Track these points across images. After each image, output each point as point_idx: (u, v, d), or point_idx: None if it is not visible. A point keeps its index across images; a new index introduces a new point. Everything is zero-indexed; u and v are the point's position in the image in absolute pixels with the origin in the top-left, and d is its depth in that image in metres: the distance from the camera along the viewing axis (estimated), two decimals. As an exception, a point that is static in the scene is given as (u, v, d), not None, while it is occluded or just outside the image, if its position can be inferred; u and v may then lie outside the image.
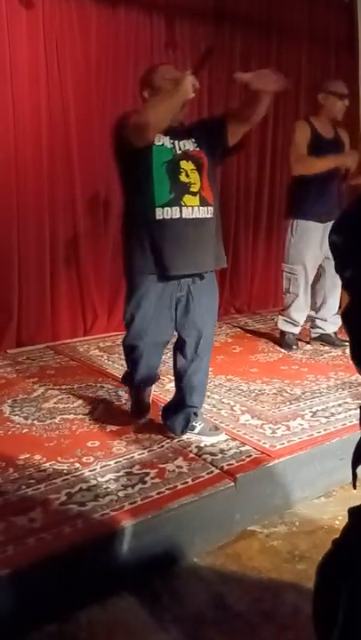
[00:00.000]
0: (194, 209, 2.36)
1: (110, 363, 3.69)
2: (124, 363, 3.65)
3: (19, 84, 3.81)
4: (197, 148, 2.43)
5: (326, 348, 3.98)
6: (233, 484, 2.24)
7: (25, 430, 2.72)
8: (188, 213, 2.35)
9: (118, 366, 3.61)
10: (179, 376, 2.59)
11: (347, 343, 3.59)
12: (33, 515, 2.01)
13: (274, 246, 5.31)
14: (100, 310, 4.39)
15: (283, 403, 3.02)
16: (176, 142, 2.40)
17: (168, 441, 2.56)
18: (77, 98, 4.06)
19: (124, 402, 3.05)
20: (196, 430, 2.59)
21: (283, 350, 3.94)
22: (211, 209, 2.42)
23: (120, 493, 2.14)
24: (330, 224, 3.61)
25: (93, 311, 4.36)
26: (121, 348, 3.74)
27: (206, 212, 2.40)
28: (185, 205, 2.34)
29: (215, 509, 2.19)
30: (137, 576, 1.96)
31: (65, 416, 2.86)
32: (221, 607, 1.88)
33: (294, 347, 3.96)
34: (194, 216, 2.36)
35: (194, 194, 2.37)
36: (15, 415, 2.88)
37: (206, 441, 2.56)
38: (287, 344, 3.98)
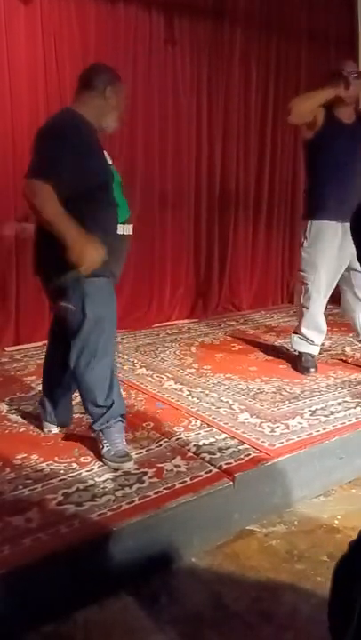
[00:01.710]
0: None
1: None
2: (122, 360, 3.66)
3: (16, 81, 3.79)
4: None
5: (325, 346, 3.79)
6: (231, 483, 2.22)
7: (22, 429, 2.71)
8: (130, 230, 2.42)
9: (116, 364, 3.60)
10: None
11: None
12: (29, 515, 1.99)
13: (273, 244, 5.30)
14: (98, 308, 4.37)
15: (282, 401, 3.01)
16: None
17: (166, 440, 2.55)
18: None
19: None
20: None
21: (302, 372, 3.42)
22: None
23: (117, 493, 2.12)
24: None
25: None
26: (119, 345, 3.73)
27: (130, 231, 2.51)
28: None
29: (213, 509, 2.17)
30: (135, 576, 1.95)
31: (63, 415, 2.84)
32: (220, 607, 1.87)
33: (312, 369, 3.42)
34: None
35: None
36: (12, 414, 2.87)
37: None
38: (304, 367, 3.43)
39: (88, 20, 4.04)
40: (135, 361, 3.68)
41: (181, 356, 3.78)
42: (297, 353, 3.53)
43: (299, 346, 3.51)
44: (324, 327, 3.51)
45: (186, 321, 4.74)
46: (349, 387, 3.20)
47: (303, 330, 3.47)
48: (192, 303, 4.90)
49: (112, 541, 1.93)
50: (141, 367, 3.56)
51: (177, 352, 3.87)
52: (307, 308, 3.43)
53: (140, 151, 4.42)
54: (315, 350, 3.51)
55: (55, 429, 2.65)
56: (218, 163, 4.84)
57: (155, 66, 4.39)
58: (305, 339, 3.47)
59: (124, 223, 2.55)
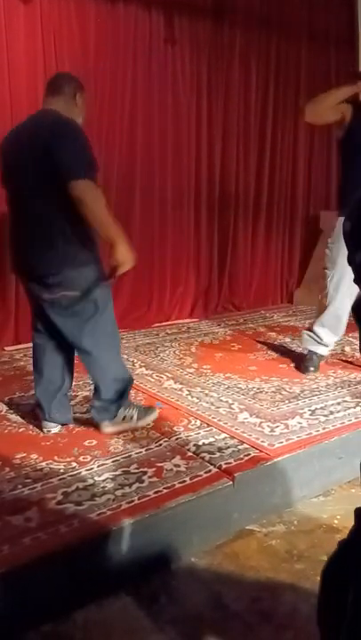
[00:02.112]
0: None
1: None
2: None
3: (16, 80, 3.79)
4: None
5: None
6: (231, 482, 2.22)
7: (21, 429, 2.70)
8: None
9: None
10: None
11: None
12: (29, 514, 1.99)
13: (273, 243, 5.31)
14: (98, 308, 4.37)
15: (281, 401, 3.01)
16: None
17: (166, 439, 2.55)
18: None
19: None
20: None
21: (302, 371, 3.39)
22: None
23: (117, 492, 2.12)
24: None
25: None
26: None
27: None
28: None
29: (213, 508, 2.17)
30: (134, 576, 1.95)
31: (62, 414, 2.84)
32: (219, 607, 1.86)
33: (311, 369, 3.36)
34: None
35: None
36: (12, 414, 2.86)
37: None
38: (305, 365, 3.38)
39: (88, 19, 4.04)
40: (135, 360, 3.67)
41: (181, 356, 3.78)
42: (305, 351, 3.47)
43: (306, 343, 3.45)
44: (340, 328, 3.38)
45: (186, 320, 4.74)
46: (349, 386, 3.20)
47: (315, 327, 3.40)
48: (192, 303, 4.89)
49: (111, 541, 1.93)
50: (141, 367, 3.56)
51: (177, 352, 3.87)
52: (323, 306, 3.37)
53: (139, 150, 4.41)
54: (323, 350, 3.42)
55: (55, 429, 2.65)
56: (218, 162, 4.84)
57: (154, 65, 4.39)
58: (314, 336, 3.40)
59: None
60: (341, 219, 3.01)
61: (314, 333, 3.41)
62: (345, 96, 3.16)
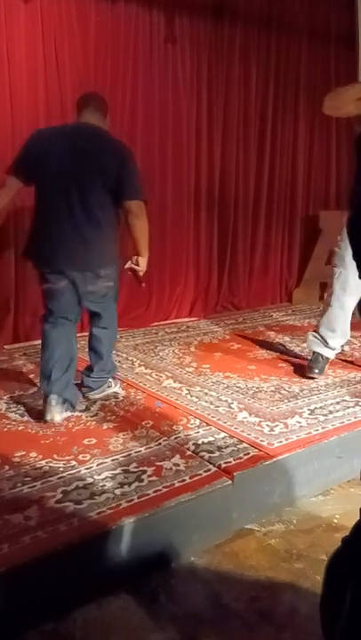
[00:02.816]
0: None
1: (107, 359, 3.67)
2: (121, 359, 3.66)
3: (17, 79, 3.78)
4: None
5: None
6: (230, 482, 2.22)
7: (21, 427, 2.70)
8: None
9: (115, 363, 3.59)
10: None
11: None
12: (28, 513, 1.99)
13: (272, 242, 5.30)
14: (97, 307, 4.37)
15: (281, 400, 3.01)
16: None
17: (165, 438, 2.55)
18: (76, 93, 4.00)
19: (120, 398, 3.03)
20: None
21: (306, 372, 3.30)
22: None
23: (117, 491, 2.12)
24: None
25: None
26: (118, 344, 3.78)
27: None
28: None
29: (212, 508, 2.17)
30: (134, 575, 1.95)
31: (61, 413, 2.84)
32: (218, 606, 1.86)
33: (316, 371, 3.26)
34: None
35: None
36: (11, 412, 2.86)
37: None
38: (308, 367, 3.30)
39: (88, 18, 4.03)
40: (134, 359, 3.67)
41: (180, 355, 3.78)
42: (311, 353, 3.38)
43: (311, 344, 3.36)
44: (345, 329, 3.31)
45: (185, 320, 4.74)
46: (348, 386, 3.20)
47: (320, 328, 3.32)
48: (191, 302, 4.89)
49: (111, 540, 1.93)
50: (140, 366, 3.56)
51: (176, 351, 3.87)
52: (329, 304, 3.28)
53: (139, 149, 4.40)
54: (328, 353, 3.32)
55: (66, 414, 2.77)
56: (217, 161, 4.83)
57: (155, 64, 4.38)
58: (319, 338, 3.32)
59: None
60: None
61: (320, 335, 3.32)
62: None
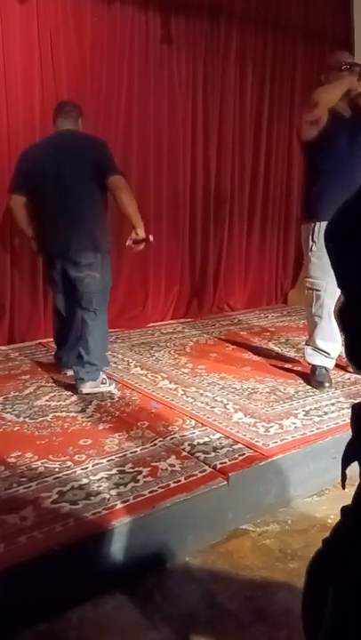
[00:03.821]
0: None
1: (103, 360, 3.68)
2: (117, 360, 3.66)
3: (12, 80, 3.79)
4: None
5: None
6: (226, 482, 2.23)
7: (16, 428, 2.71)
8: None
9: (111, 363, 3.60)
10: None
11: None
12: (24, 513, 1.99)
13: (267, 244, 5.32)
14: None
15: (276, 401, 3.02)
16: None
17: (161, 439, 2.55)
18: (71, 93, 4.03)
19: (116, 399, 3.04)
20: None
21: (316, 387, 3.19)
22: None
23: (112, 492, 2.13)
24: None
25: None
26: (114, 345, 3.80)
27: None
28: None
29: (208, 508, 2.18)
30: (129, 575, 1.95)
31: (57, 414, 2.85)
32: (213, 606, 1.87)
33: (327, 384, 3.17)
34: None
35: None
36: (7, 413, 2.86)
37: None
38: (318, 381, 3.19)
39: (84, 18, 4.05)
40: (130, 360, 3.68)
41: (176, 356, 3.79)
42: (310, 366, 3.29)
43: (313, 358, 3.25)
44: (338, 337, 3.21)
45: (181, 320, 4.75)
46: (343, 387, 3.21)
47: (318, 341, 3.21)
48: (187, 303, 4.91)
49: (106, 540, 1.93)
50: (136, 366, 3.56)
51: (171, 352, 3.88)
52: (320, 317, 3.18)
53: (135, 150, 4.42)
54: (330, 364, 3.26)
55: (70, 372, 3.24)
56: (213, 162, 4.85)
57: (151, 64, 4.39)
58: (320, 351, 3.22)
59: None
60: (323, 224, 2.92)
61: (318, 348, 3.23)
62: (346, 88, 3.03)
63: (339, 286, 1.03)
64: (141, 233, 3.11)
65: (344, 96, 3.05)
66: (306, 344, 3.33)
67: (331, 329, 3.20)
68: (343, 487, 1.16)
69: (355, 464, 1.11)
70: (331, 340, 3.21)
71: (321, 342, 3.22)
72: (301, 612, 1.31)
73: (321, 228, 3.06)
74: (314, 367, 3.26)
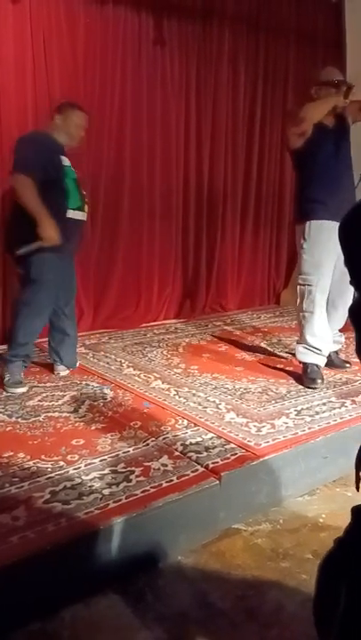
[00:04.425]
0: (85, 214, 3.34)
1: (96, 360, 3.68)
2: (109, 360, 3.67)
3: (5, 80, 3.79)
4: None
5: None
6: (218, 482, 2.24)
7: (8, 428, 2.70)
8: (82, 216, 3.31)
9: (104, 364, 3.61)
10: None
11: (348, 365, 3.47)
12: (16, 513, 1.99)
13: (260, 244, 5.34)
14: (85, 308, 4.37)
15: (268, 401, 3.03)
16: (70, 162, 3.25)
17: (153, 439, 2.56)
18: (64, 94, 4.02)
19: (109, 399, 3.04)
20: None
21: (308, 385, 3.22)
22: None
23: (105, 491, 2.13)
24: None
25: (79, 308, 4.34)
26: (107, 345, 3.80)
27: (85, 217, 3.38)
28: (84, 211, 3.32)
29: (200, 508, 2.19)
30: (121, 574, 1.96)
31: (49, 414, 2.85)
32: (205, 605, 1.88)
33: (319, 381, 3.20)
34: (84, 219, 3.35)
35: (87, 203, 3.37)
36: (-1, 413, 2.86)
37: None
38: (309, 378, 3.22)
39: (77, 20, 4.05)
40: (122, 361, 3.68)
41: (169, 356, 3.79)
42: (302, 364, 3.32)
43: (304, 356, 3.28)
44: (330, 333, 3.32)
45: (173, 321, 4.76)
46: (334, 387, 3.23)
47: (308, 338, 3.24)
48: (179, 303, 4.92)
49: (99, 540, 1.94)
50: (129, 367, 3.57)
51: (164, 352, 3.89)
52: (311, 313, 3.23)
53: (128, 151, 4.42)
54: (322, 361, 3.29)
55: (64, 372, 3.40)
56: (206, 163, 4.86)
57: (144, 66, 4.40)
58: (311, 348, 3.25)
59: (74, 209, 3.22)
60: (313, 223, 3.21)
61: (309, 345, 3.26)
62: (333, 105, 3.18)
63: (352, 284, 1.04)
64: (44, 232, 3.00)
65: (330, 111, 3.21)
66: (297, 343, 3.36)
67: (320, 325, 3.25)
68: (358, 489, 1.16)
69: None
70: (321, 337, 3.25)
71: (311, 339, 3.25)
72: (313, 611, 1.32)
73: (311, 226, 3.22)
74: (306, 365, 3.29)
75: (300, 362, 3.34)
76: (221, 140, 4.89)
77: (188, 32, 4.57)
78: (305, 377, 3.27)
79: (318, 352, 3.26)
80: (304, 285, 3.26)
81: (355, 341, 1.06)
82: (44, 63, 3.92)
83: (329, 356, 3.41)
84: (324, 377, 3.32)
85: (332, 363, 3.46)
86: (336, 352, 3.54)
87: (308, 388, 3.19)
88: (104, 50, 4.19)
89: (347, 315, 3.15)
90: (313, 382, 3.20)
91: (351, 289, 1.08)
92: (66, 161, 3.22)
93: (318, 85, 3.29)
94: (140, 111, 4.42)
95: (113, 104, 4.29)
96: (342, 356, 3.61)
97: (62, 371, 3.42)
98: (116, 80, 4.28)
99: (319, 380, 3.21)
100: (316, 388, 3.18)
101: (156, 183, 4.60)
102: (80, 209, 3.28)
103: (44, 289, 3.14)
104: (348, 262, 1.05)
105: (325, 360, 3.32)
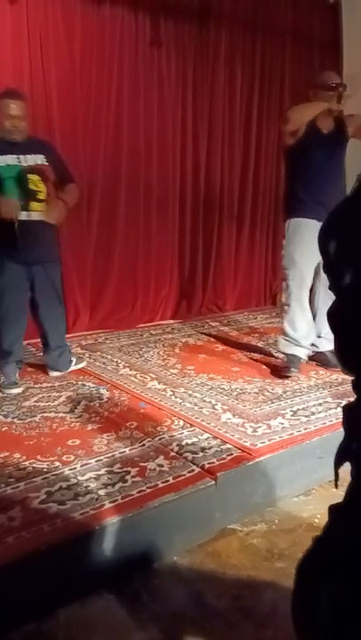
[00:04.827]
0: (29, 214, 3.07)
1: (92, 361, 3.68)
2: (106, 361, 3.67)
3: (2, 80, 3.76)
4: (46, 163, 3.14)
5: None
6: (214, 482, 2.24)
7: (4, 428, 2.70)
8: (33, 216, 3.08)
9: (100, 364, 3.61)
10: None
11: None
12: (12, 513, 2.00)
13: (257, 245, 5.34)
14: (82, 308, 4.37)
15: (264, 402, 3.04)
16: (22, 157, 3.08)
17: (149, 439, 2.56)
18: (61, 94, 4.04)
19: (105, 399, 3.04)
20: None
21: (283, 373, 3.38)
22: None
23: (100, 492, 2.13)
24: None
25: (75, 309, 4.34)
26: (103, 345, 3.79)
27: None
28: (31, 210, 3.07)
29: (196, 508, 2.19)
30: (116, 574, 1.96)
31: (45, 414, 2.84)
32: (200, 605, 1.88)
33: (294, 370, 3.36)
34: (37, 218, 3.09)
35: (40, 201, 3.09)
36: (-5, 413, 2.86)
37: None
38: (286, 367, 3.39)
39: (74, 20, 4.04)
40: (119, 361, 3.68)
41: (165, 357, 3.80)
42: (283, 355, 3.47)
43: (284, 347, 3.44)
44: (311, 325, 3.43)
45: (170, 321, 4.76)
46: (330, 387, 3.24)
47: (288, 330, 3.40)
48: (176, 304, 4.92)
49: (94, 540, 1.94)
50: (125, 367, 3.57)
51: (160, 352, 3.89)
52: (289, 306, 3.41)
53: (125, 151, 4.42)
54: (301, 352, 3.42)
55: (54, 374, 3.39)
56: (203, 164, 4.86)
57: (140, 67, 4.40)
58: (290, 339, 3.40)
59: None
60: (293, 220, 3.38)
61: (289, 337, 3.41)
62: (323, 109, 3.27)
63: (331, 289, 1.04)
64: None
65: (327, 114, 3.29)
66: (280, 335, 3.52)
67: (299, 319, 3.40)
68: (336, 487, 1.17)
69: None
70: (299, 329, 3.39)
71: (291, 331, 3.40)
72: (291, 611, 1.32)
73: (291, 224, 3.40)
74: (286, 356, 3.45)
75: (281, 352, 3.50)
76: (218, 141, 4.90)
77: (185, 32, 4.57)
78: (283, 366, 3.42)
79: (297, 343, 3.40)
80: (284, 280, 3.47)
81: (334, 347, 1.05)
82: (40, 63, 3.92)
83: (325, 355, 3.48)
84: (321, 377, 3.35)
85: (328, 362, 3.50)
86: (332, 351, 3.54)
87: (284, 377, 3.34)
88: (101, 50, 4.19)
89: None
90: (288, 371, 3.38)
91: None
92: (6, 159, 3.04)
93: (316, 88, 3.36)
94: (137, 112, 4.42)
95: (110, 104, 4.29)
96: None
97: (52, 373, 3.42)
98: (113, 80, 4.28)
99: (295, 370, 3.37)
100: (290, 377, 3.34)
101: (153, 184, 4.60)
102: (24, 208, 3.05)
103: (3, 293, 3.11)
104: (327, 267, 1.05)
105: (306, 352, 3.46)
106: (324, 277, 3.25)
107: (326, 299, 3.36)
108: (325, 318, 3.40)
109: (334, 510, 1.17)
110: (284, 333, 3.44)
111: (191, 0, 4.58)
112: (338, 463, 1.12)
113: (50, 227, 3.20)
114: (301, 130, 3.29)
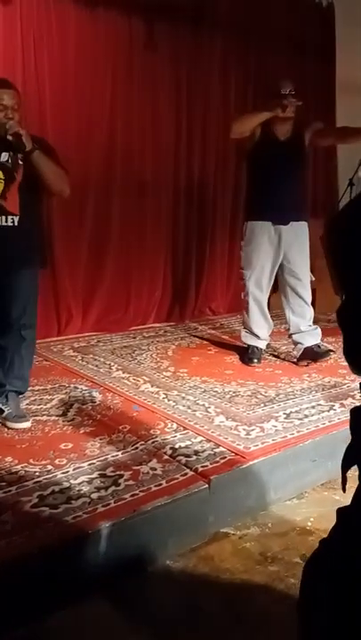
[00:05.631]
0: None
1: (84, 363, 3.67)
2: (98, 363, 3.65)
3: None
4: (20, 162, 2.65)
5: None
6: (207, 485, 2.24)
7: (-3, 431, 2.69)
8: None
9: (92, 367, 3.59)
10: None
11: (333, 353, 3.60)
12: (4, 517, 1.98)
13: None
14: (74, 310, 4.36)
15: (257, 404, 3.04)
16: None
17: (142, 443, 2.55)
18: (54, 97, 4.03)
19: (98, 403, 3.03)
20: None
21: (246, 363, 3.69)
22: (13, 218, 2.61)
23: (93, 496, 2.12)
24: (284, 227, 3.72)
25: (68, 311, 4.33)
26: (96, 348, 3.76)
27: (6, 221, 2.60)
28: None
29: (189, 511, 2.18)
30: (109, 579, 1.95)
31: (38, 417, 2.83)
32: (193, 609, 1.87)
33: (255, 360, 3.68)
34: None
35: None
36: (-13, 416, 2.84)
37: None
38: (248, 358, 3.70)
39: (68, 23, 4.04)
40: (112, 364, 3.67)
41: (158, 360, 3.79)
42: (247, 346, 3.79)
43: (246, 339, 3.79)
44: (268, 321, 3.77)
45: (163, 324, 4.75)
46: (323, 390, 3.24)
47: (247, 324, 3.77)
48: (169, 307, 4.91)
49: (87, 544, 1.93)
50: (118, 370, 3.56)
51: (153, 355, 3.88)
52: (248, 303, 3.71)
53: (118, 155, 4.42)
54: (261, 344, 3.77)
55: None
56: (196, 166, 4.87)
57: (134, 70, 4.40)
58: (250, 332, 3.77)
59: None
60: (250, 223, 3.62)
61: (250, 330, 3.77)
62: (267, 118, 3.48)
63: (338, 286, 1.04)
64: None
65: (283, 121, 3.49)
66: (242, 327, 3.88)
67: (258, 314, 3.72)
68: (344, 490, 1.17)
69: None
70: (255, 323, 3.74)
71: (250, 324, 3.76)
72: (297, 612, 1.32)
73: (248, 227, 3.66)
74: (248, 346, 3.78)
75: (243, 343, 3.82)
76: (212, 145, 4.89)
77: (179, 36, 4.57)
78: (245, 356, 3.75)
79: (256, 336, 3.75)
80: (241, 279, 3.78)
81: (343, 345, 1.05)
82: (34, 66, 3.91)
83: (311, 349, 3.66)
84: (314, 380, 3.37)
85: (316, 355, 3.66)
86: (318, 344, 3.70)
87: (247, 364, 3.68)
88: (95, 53, 4.18)
89: (306, 311, 3.69)
90: (250, 361, 3.69)
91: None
92: None
93: (266, 96, 3.61)
94: (131, 115, 4.42)
95: (103, 107, 4.28)
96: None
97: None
98: (107, 84, 4.28)
99: (255, 360, 3.69)
100: (252, 365, 3.65)
101: (147, 187, 4.59)
102: None
103: None
104: (335, 267, 1.05)
105: (265, 343, 3.80)
106: (290, 277, 3.62)
107: (294, 297, 3.67)
108: (301, 313, 3.66)
109: (340, 514, 1.17)
110: (246, 327, 3.80)
111: (186, 4, 4.58)
112: (345, 467, 1.12)
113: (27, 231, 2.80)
114: (256, 135, 3.53)
